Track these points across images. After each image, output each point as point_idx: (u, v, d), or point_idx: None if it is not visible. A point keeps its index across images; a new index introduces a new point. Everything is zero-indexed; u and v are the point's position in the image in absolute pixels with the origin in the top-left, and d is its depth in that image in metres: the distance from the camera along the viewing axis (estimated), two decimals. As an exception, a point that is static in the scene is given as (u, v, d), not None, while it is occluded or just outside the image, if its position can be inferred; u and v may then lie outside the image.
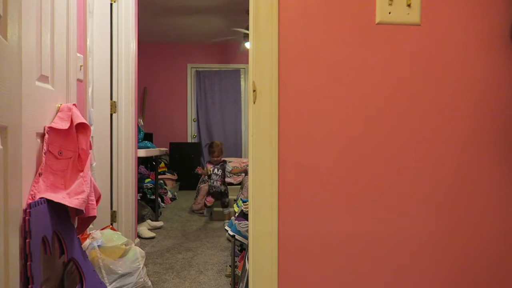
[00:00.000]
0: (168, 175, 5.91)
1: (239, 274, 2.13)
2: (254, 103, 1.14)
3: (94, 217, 1.65)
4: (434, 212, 1.17)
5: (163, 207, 4.78)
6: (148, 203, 4.19)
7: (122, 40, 2.86)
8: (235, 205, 2.92)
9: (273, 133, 1.13)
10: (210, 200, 4.20)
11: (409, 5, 1.14)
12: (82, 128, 1.62)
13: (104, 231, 2.01)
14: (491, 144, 1.18)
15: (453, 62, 1.17)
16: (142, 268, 1.95)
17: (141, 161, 4.53)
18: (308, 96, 1.14)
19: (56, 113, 1.60)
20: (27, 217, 1.24)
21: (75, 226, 1.64)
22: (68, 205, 1.43)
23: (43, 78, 1.50)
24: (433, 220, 1.17)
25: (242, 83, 7.07)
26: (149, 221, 3.79)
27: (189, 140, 6.93)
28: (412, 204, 1.17)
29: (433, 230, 1.17)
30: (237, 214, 2.55)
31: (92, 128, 2.02)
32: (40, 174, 1.44)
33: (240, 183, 4.38)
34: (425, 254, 1.17)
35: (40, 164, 1.45)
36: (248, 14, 1.24)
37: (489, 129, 1.17)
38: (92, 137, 1.97)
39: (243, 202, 2.61)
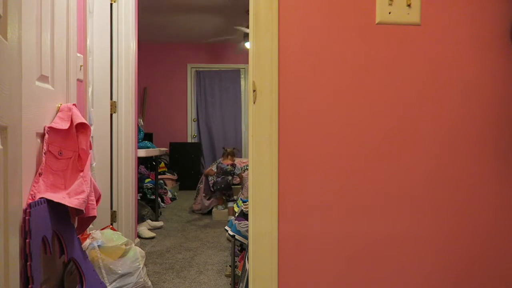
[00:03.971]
0: (168, 175, 5.91)
1: (239, 274, 2.13)
2: (254, 103, 1.14)
3: (94, 217, 1.65)
4: (435, 214, 1.17)
5: (163, 207, 4.78)
6: (148, 203, 4.19)
7: (122, 40, 2.86)
8: (235, 205, 2.92)
9: (273, 133, 1.13)
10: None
11: (409, 5, 1.14)
12: (82, 128, 1.62)
13: (104, 231, 2.01)
14: (494, 144, 1.18)
15: (453, 62, 1.17)
16: (142, 268, 1.94)
17: (141, 161, 4.53)
18: (308, 96, 1.14)
19: (56, 113, 1.60)
20: (27, 217, 1.24)
21: (75, 226, 1.64)
22: (68, 205, 1.43)
23: (43, 78, 1.50)
24: (434, 221, 1.17)
25: (242, 83, 7.07)
26: (149, 221, 3.79)
27: (189, 140, 6.93)
28: (413, 205, 1.17)
29: (433, 231, 1.17)
30: (237, 214, 2.55)
31: (92, 128, 2.02)
32: (40, 174, 1.44)
33: (240, 183, 4.39)
34: (425, 255, 1.17)
35: (40, 164, 1.45)
36: (248, 14, 1.24)
37: (492, 129, 1.17)
38: (92, 137, 1.97)
39: (243, 202, 2.61)
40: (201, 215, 4.47)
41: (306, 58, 1.14)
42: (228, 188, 4.29)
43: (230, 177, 4.34)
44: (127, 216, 2.89)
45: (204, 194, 4.46)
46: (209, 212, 4.43)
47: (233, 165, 4.44)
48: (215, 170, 4.45)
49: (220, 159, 4.67)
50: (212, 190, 4.32)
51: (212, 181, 4.38)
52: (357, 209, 1.16)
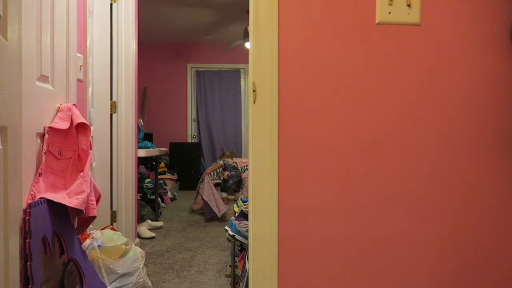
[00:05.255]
0: (168, 175, 5.91)
1: (239, 274, 2.13)
2: (254, 103, 1.14)
3: (94, 217, 1.65)
4: (434, 213, 1.17)
5: (163, 207, 4.78)
6: (148, 203, 4.19)
7: (122, 40, 2.86)
8: (235, 205, 2.92)
9: (273, 133, 1.13)
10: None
11: (409, 5, 1.14)
12: (82, 128, 1.62)
13: (104, 231, 2.01)
14: (493, 144, 1.18)
15: (452, 62, 1.17)
16: (142, 268, 1.94)
17: (141, 161, 4.53)
18: (308, 96, 1.14)
19: (56, 113, 1.60)
20: (27, 217, 1.24)
21: (75, 226, 1.64)
22: (68, 205, 1.43)
23: (43, 78, 1.50)
24: (434, 221, 1.17)
25: (242, 83, 7.08)
26: (149, 221, 3.79)
27: (189, 140, 6.93)
28: (413, 205, 1.17)
29: (433, 231, 1.17)
30: (237, 214, 2.55)
31: (92, 128, 2.02)
32: (40, 174, 1.44)
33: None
34: (425, 255, 1.17)
35: (40, 164, 1.45)
36: (248, 14, 1.24)
37: (491, 129, 1.17)
38: (92, 137, 1.97)
39: (243, 202, 2.61)
40: (201, 215, 4.47)
41: (306, 58, 1.14)
42: (240, 181, 4.42)
43: (239, 171, 4.48)
44: (127, 216, 2.89)
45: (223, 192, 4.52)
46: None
47: (236, 163, 4.58)
48: (221, 163, 4.55)
49: (221, 158, 4.79)
50: (227, 183, 4.42)
51: (227, 173, 4.46)
52: (357, 209, 1.16)
